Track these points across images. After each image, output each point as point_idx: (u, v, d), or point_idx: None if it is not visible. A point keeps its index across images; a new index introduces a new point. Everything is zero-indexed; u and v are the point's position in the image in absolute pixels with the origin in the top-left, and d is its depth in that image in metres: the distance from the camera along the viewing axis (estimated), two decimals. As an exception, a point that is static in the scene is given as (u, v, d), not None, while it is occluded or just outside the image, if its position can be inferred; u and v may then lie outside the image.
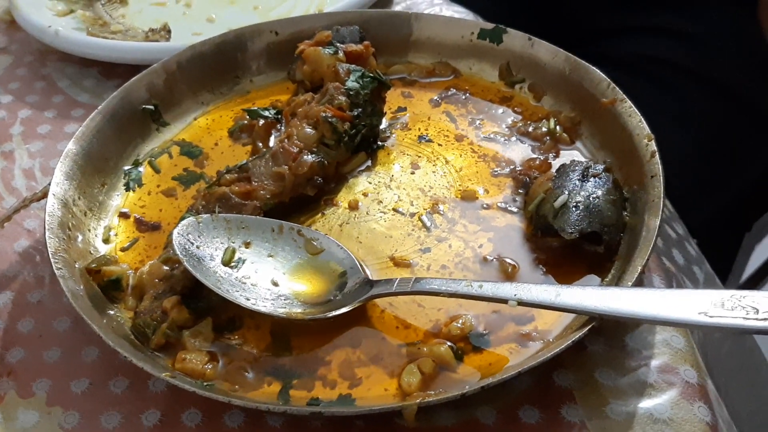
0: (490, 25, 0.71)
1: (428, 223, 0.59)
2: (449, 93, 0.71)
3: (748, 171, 1.06)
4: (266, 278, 0.54)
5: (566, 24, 1.04)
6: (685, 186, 0.94)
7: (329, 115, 0.62)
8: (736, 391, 0.76)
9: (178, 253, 0.53)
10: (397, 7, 0.88)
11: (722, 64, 1.00)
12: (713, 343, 0.69)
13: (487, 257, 0.56)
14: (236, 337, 0.52)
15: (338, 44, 0.68)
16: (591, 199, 0.55)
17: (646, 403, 0.48)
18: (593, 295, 0.47)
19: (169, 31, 0.81)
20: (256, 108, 0.70)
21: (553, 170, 0.60)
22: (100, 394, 0.51)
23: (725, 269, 1.11)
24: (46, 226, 0.55)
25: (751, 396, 0.78)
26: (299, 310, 0.52)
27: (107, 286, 0.55)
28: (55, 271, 0.52)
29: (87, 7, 0.87)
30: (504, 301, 0.48)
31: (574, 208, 0.55)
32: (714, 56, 1.01)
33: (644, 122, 0.59)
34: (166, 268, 0.55)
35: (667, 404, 0.48)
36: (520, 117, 0.68)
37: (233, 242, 0.55)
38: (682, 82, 1.01)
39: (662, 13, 1.06)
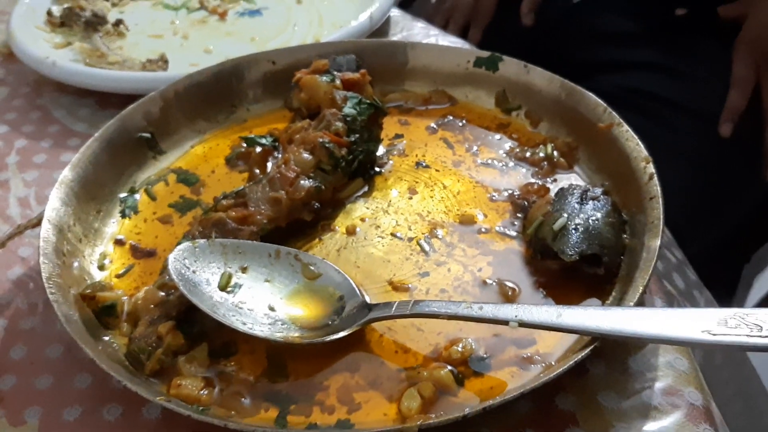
0: (485, 53, 0.72)
1: (427, 248, 0.59)
2: (446, 120, 0.71)
3: (741, 204, 1.06)
4: (263, 303, 0.53)
5: (557, 60, 1.05)
6: (679, 219, 0.94)
7: (326, 140, 0.62)
8: (733, 419, 0.75)
9: (174, 277, 0.52)
10: (393, 39, 0.88)
11: (713, 99, 1.01)
12: (712, 371, 0.68)
13: (487, 281, 0.56)
14: (232, 363, 0.51)
15: (335, 72, 0.68)
16: (590, 221, 0.55)
17: (650, 426, 0.47)
18: (595, 316, 0.46)
19: (166, 62, 0.82)
20: (253, 136, 0.70)
21: (551, 194, 0.60)
22: (92, 421, 0.49)
23: (725, 301, 1.10)
24: (41, 252, 0.54)
25: (750, 424, 0.77)
26: (296, 335, 0.51)
27: (102, 312, 0.54)
28: (49, 296, 0.51)
29: (84, 39, 0.87)
30: (505, 322, 0.48)
31: (573, 231, 0.54)
32: (704, 92, 1.02)
33: (641, 145, 0.59)
34: (161, 293, 0.54)
35: (672, 427, 0.47)
36: (517, 143, 0.68)
37: (230, 267, 0.55)
38: (674, 117, 1.02)
39: (652, 51, 1.07)
